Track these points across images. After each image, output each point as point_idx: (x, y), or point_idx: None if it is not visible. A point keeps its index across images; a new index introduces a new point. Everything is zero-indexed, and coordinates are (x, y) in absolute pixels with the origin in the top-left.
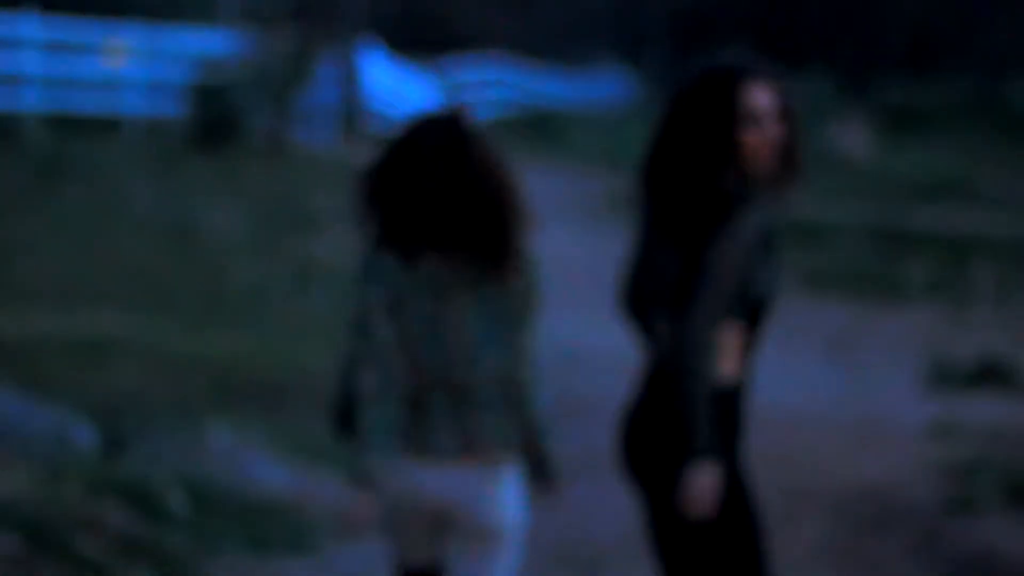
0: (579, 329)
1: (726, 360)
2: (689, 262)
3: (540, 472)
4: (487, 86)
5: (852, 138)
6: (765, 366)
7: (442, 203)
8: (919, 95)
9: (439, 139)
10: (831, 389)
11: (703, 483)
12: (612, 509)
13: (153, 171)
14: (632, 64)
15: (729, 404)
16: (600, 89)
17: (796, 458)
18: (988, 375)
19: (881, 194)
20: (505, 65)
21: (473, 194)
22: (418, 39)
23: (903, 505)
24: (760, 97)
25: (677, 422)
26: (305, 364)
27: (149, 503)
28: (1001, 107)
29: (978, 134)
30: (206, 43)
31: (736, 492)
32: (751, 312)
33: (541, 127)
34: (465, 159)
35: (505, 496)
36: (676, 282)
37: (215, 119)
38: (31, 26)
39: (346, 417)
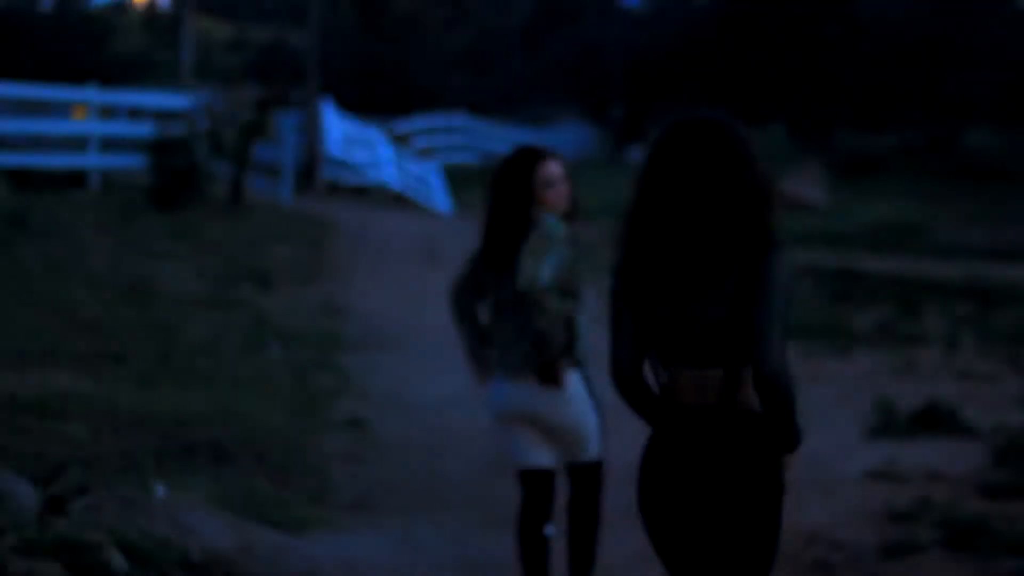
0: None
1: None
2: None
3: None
4: (444, 138)
5: (810, 186)
6: None
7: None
8: (876, 144)
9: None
10: None
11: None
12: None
13: (112, 226)
14: (593, 119)
15: None
16: (561, 142)
17: None
18: (931, 420)
19: (837, 240)
20: (464, 120)
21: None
22: (376, 97)
23: (846, 548)
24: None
25: (779, 429)
26: (254, 420)
27: (87, 560)
28: (955, 155)
29: (933, 182)
30: (168, 101)
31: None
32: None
33: None
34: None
35: (570, 398)
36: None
37: (175, 174)
38: None
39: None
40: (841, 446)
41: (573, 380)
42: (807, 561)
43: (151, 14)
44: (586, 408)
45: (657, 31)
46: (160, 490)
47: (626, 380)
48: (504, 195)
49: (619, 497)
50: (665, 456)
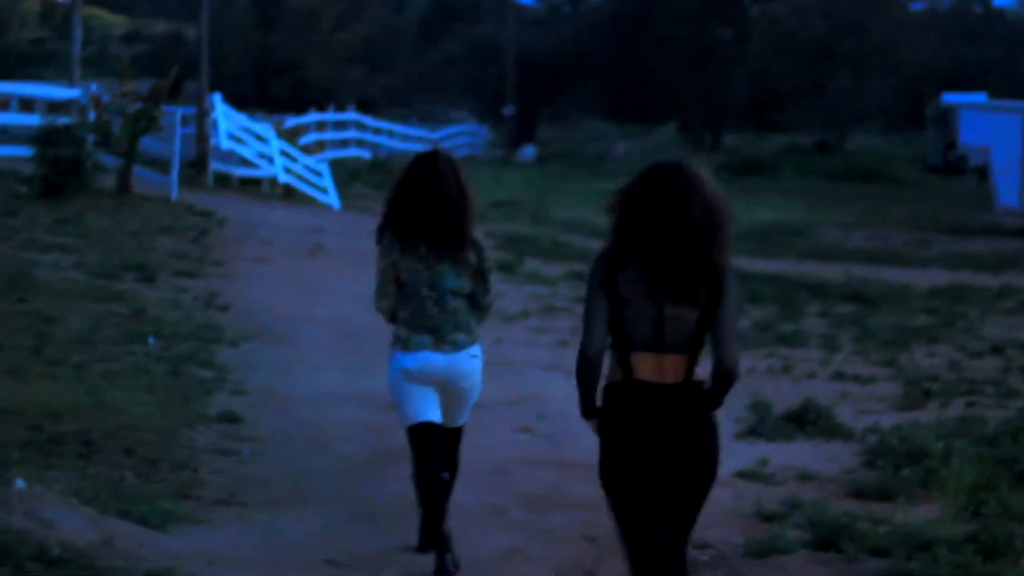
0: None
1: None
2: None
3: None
4: (335, 133)
5: None
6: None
7: (429, 208)
8: (764, 145)
9: (428, 167)
10: None
11: None
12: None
13: None
14: (486, 117)
15: None
16: (454, 140)
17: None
18: (806, 420)
19: None
20: (356, 116)
21: (447, 202)
22: (271, 91)
23: (712, 547)
24: None
25: (714, 398)
26: (125, 413)
27: None
28: (841, 158)
29: (819, 184)
30: (59, 93)
31: None
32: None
33: (392, 173)
34: (441, 179)
35: (476, 367)
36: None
37: (61, 165)
38: None
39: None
40: None
41: (479, 359)
42: None
43: (48, 5)
44: (480, 383)
45: (551, 30)
46: (20, 483)
47: (591, 359)
48: (437, 196)
49: (484, 496)
50: (635, 421)
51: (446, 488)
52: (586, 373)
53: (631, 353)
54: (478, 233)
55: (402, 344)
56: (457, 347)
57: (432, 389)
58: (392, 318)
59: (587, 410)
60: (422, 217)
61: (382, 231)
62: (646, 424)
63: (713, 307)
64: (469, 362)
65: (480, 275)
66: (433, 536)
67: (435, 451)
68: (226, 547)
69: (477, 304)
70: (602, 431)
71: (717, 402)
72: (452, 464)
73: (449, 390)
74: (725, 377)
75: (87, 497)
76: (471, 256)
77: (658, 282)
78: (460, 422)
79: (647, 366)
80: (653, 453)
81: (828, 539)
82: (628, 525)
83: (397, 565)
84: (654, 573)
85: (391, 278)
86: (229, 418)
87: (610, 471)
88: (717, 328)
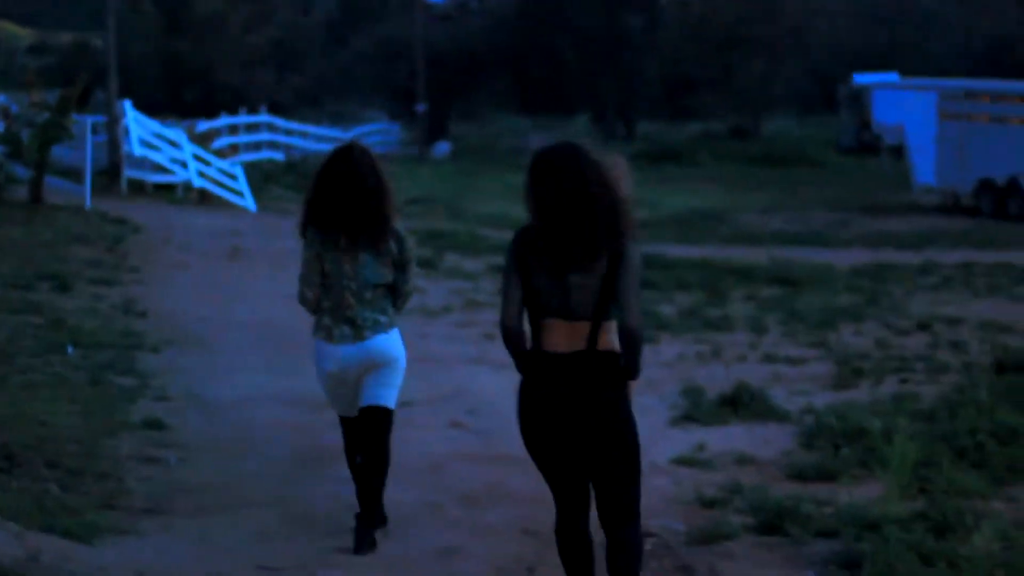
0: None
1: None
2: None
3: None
4: (248, 136)
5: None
6: (507, 398)
7: (347, 199)
8: (678, 132)
9: (344, 159)
10: None
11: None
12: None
13: None
14: (398, 115)
15: None
16: (368, 139)
17: (548, 495)
18: (740, 404)
19: (642, 228)
20: (268, 118)
21: (364, 192)
22: (182, 97)
23: (655, 536)
24: None
25: (629, 365)
26: (46, 424)
27: None
28: (756, 143)
29: (735, 169)
30: None
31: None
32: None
33: (306, 174)
34: (358, 170)
35: (394, 344)
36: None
37: None
38: None
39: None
40: (649, 433)
41: (397, 337)
42: None
43: None
44: (402, 360)
45: (459, 26)
46: None
47: (511, 329)
48: (354, 187)
49: (419, 494)
50: (541, 391)
51: (370, 470)
52: (510, 341)
53: (544, 319)
54: (399, 224)
55: (324, 333)
56: (376, 330)
57: (352, 387)
58: (316, 308)
59: (521, 369)
60: (341, 209)
61: (305, 225)
62: (553, 392)
63: (612, 275)
64: (386, 341)
65: (401, 265)
66: (365, 517)
67: (356, 440)
68: (155, 557)
69: (397, 292)
70: (518, 396)
71: (633, 368)
72: (383, 454)
73: (371, 370)
74: (627, 337)
75: (10, 512)
76: (392, 246)
77: (559, 254)
78: (388, 400)
79: (558, 333)
80: (560, 419)
81: (772, 523)
82: (548, 479)
83: (334, 566)
84: (570, 525)
85: (316, 269)
86: (153, 425)
87: (525, 432)
88: (618, 295)
